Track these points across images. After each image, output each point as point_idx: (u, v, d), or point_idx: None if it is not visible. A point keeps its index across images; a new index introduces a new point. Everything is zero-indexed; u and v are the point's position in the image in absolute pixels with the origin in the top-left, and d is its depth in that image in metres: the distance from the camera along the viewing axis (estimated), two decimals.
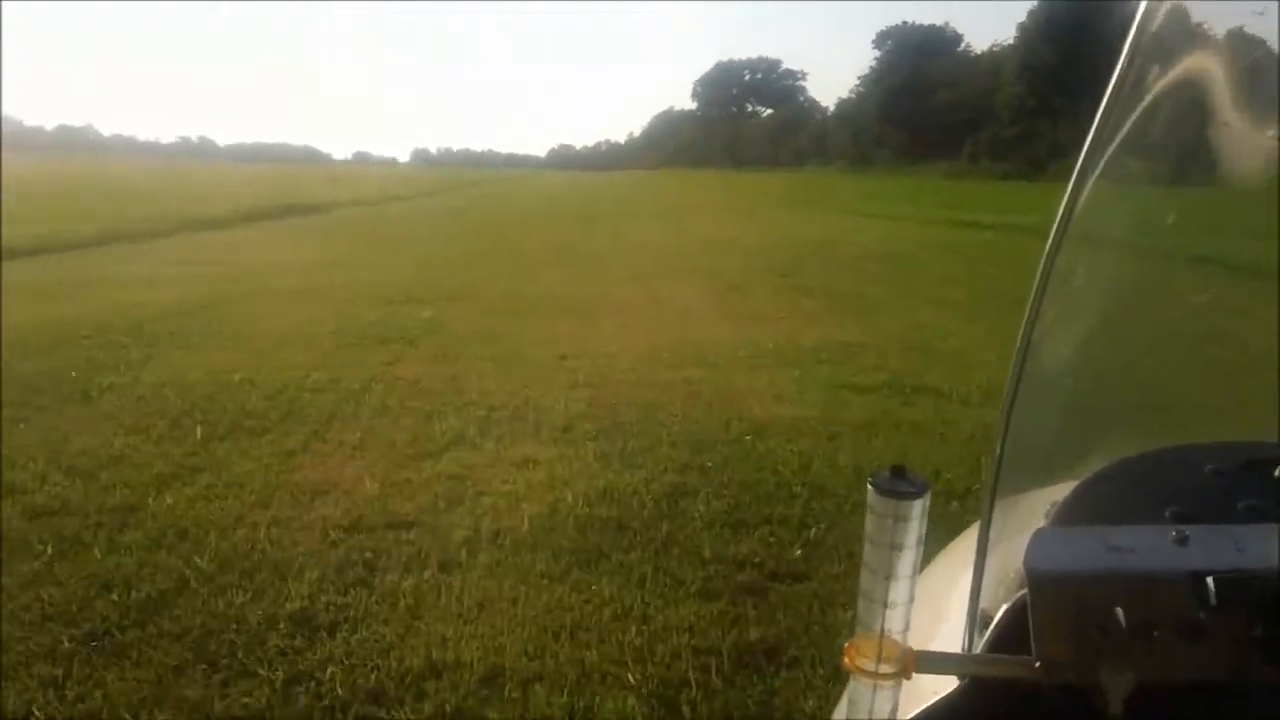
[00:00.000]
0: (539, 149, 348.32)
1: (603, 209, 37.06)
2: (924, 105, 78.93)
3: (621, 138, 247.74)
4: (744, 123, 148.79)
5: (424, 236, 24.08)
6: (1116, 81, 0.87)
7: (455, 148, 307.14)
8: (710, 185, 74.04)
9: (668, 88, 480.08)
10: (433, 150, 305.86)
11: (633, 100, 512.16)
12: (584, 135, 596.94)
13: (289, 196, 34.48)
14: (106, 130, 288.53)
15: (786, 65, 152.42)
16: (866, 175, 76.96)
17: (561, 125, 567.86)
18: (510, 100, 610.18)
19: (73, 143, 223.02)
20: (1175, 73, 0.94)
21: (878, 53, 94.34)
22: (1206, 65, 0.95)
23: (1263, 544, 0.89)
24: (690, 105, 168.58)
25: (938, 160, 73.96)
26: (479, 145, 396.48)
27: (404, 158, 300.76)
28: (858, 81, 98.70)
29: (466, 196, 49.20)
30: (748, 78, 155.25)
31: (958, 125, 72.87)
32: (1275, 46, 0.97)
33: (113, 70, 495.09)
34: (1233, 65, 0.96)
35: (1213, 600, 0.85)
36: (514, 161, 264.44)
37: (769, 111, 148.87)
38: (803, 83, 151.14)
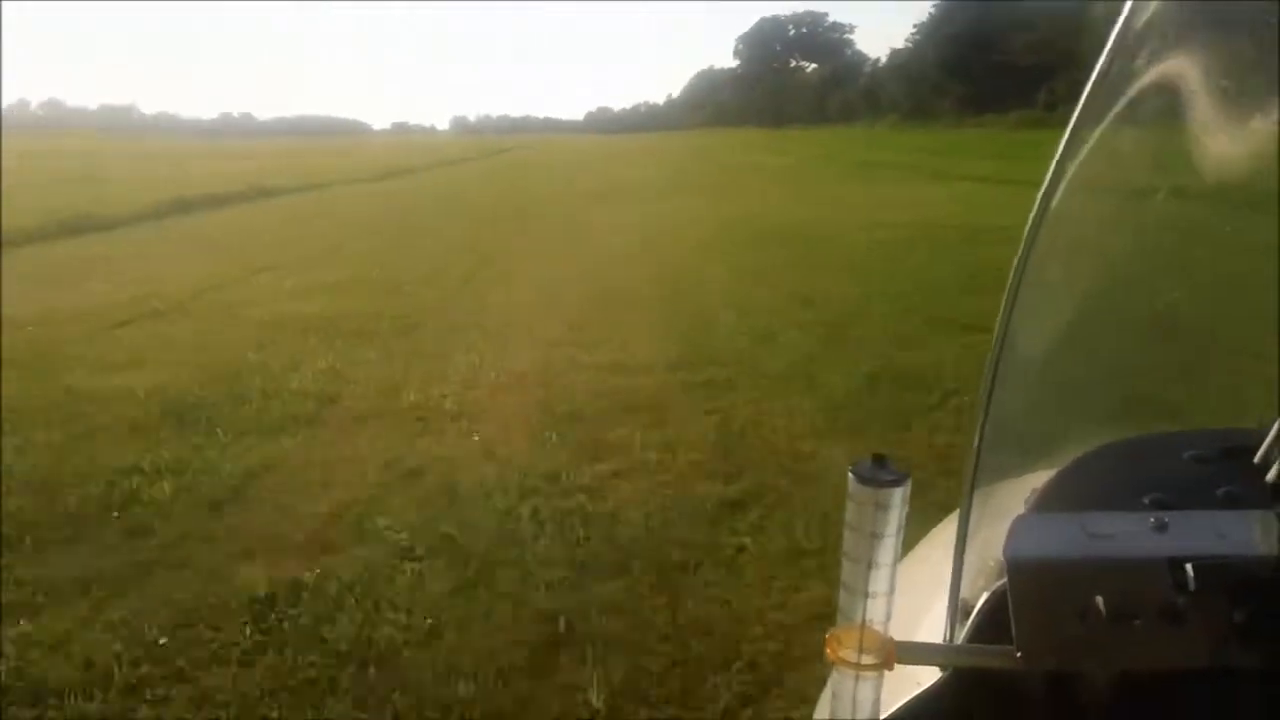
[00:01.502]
0: (577, 112, 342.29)
1: (624, 180, 31.17)
2: (993, 51, 71.05)
3: (660, 98, 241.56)
4: (788, 79, 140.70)
5: (375, 227, 19.02)
6: (1100, 70, 0.84)
7: (494, 114, 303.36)
8: (758, 145, 67.36)
9: (708, 46, 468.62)
10: (471, 118, 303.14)
11: (671, 60, 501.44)
12: (622, 97, 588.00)
13: (269, 177, 28.42)
14: (150, 109, 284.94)
15: (834, 18, 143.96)
16: (928, 129, 69.62)
17: (600, 88, 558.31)
18: (548, 64, 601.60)
19: (116, 122, 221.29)
20: (1160, 61, 0.91)
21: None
22: (1191, 54, 0.92)
23: (1242, 530, 0.89)
24: (731, 64, 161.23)
25: (1006, 110, 66.17)
26: (517, 111, 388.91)
27: (443, 125, 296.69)
28: (913, 29, 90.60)
29: (480, 169, 43.43)
30: (792, 32, 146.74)
31: (1032, 71, 65.06)
32: (1266, 35, 0.93)
33: (156, 50, 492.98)
34: (1219, 53, 0.93)
35: (1192, 586, 0.84)
36: (552, 125, 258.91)
37: (814, 66, 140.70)
38: (850, 35, 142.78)
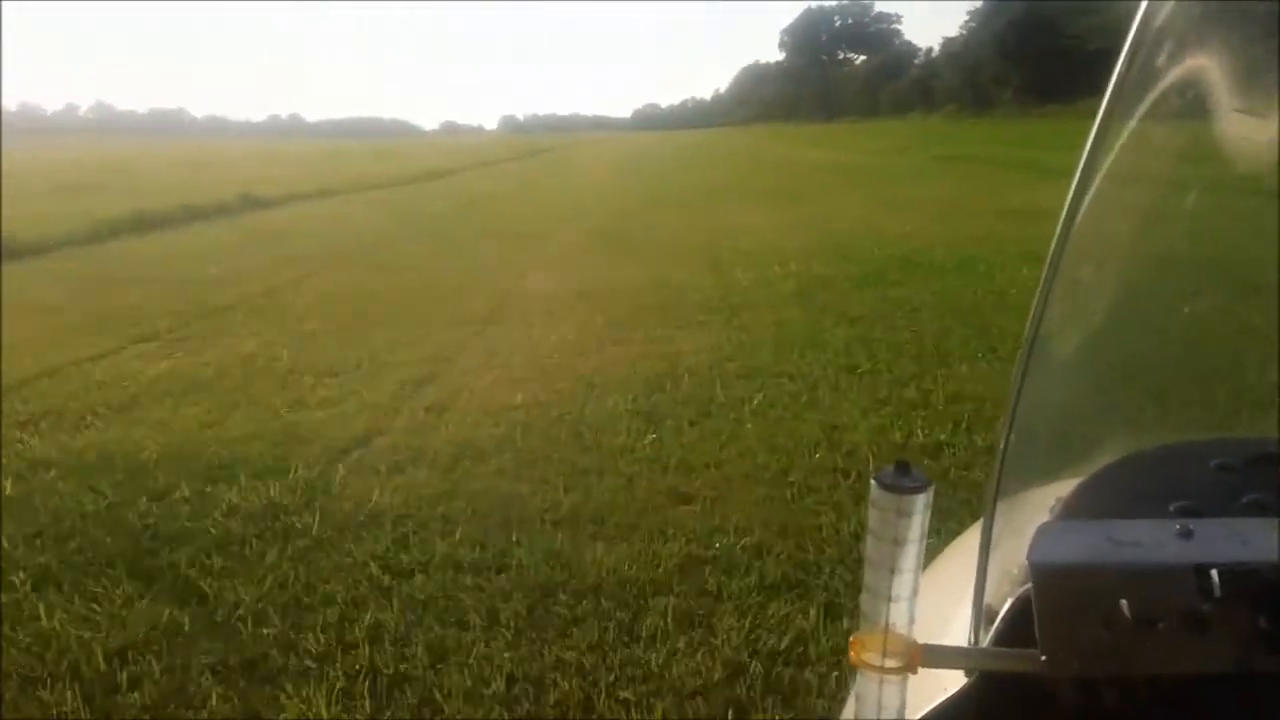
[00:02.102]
0: (625, 110, 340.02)
1: (661, 187, 26.42)
2: (1056, 37, 66.76)
3: (708, 94, 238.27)
4: (836, 71, 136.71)
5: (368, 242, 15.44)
6: (1121, 70, 0.83)
7: (541, 113, 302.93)
8: (815, 140, 63.68)
9: (754, 41, 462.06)
10: (520, 117, 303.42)
11: (717, 56, 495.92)
12: (670, 94, 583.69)
13: (265, 186, 25.40)
14: (199, 112, 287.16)
15: (880, 8, 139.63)
16: (991, 120, 65.67)
17: (647, 85, 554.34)
18: (597, 63, 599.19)
19: (166, 125, 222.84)
20: (1183, 61, 0.90)
21: None
22: (1212, 53, 0.92)
23: (1267, 537, 0.89)
24: (776, 57, 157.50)
25: (1072, 99, 61.87)
26: (565, 109, 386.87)
27: (491, 125, 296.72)
28: (967, 17, 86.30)
29: (510, 173, 39.01)
30: (838, 23, 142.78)
31: (1099, 57, 60.50)
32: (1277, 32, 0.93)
33: (202, 53, 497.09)
34: (1239, 53, 0.93)
35: (1217, 593, 0.84)
36: (600, 123, 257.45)
37: (862, 58, 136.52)
38: (898, 26, 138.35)
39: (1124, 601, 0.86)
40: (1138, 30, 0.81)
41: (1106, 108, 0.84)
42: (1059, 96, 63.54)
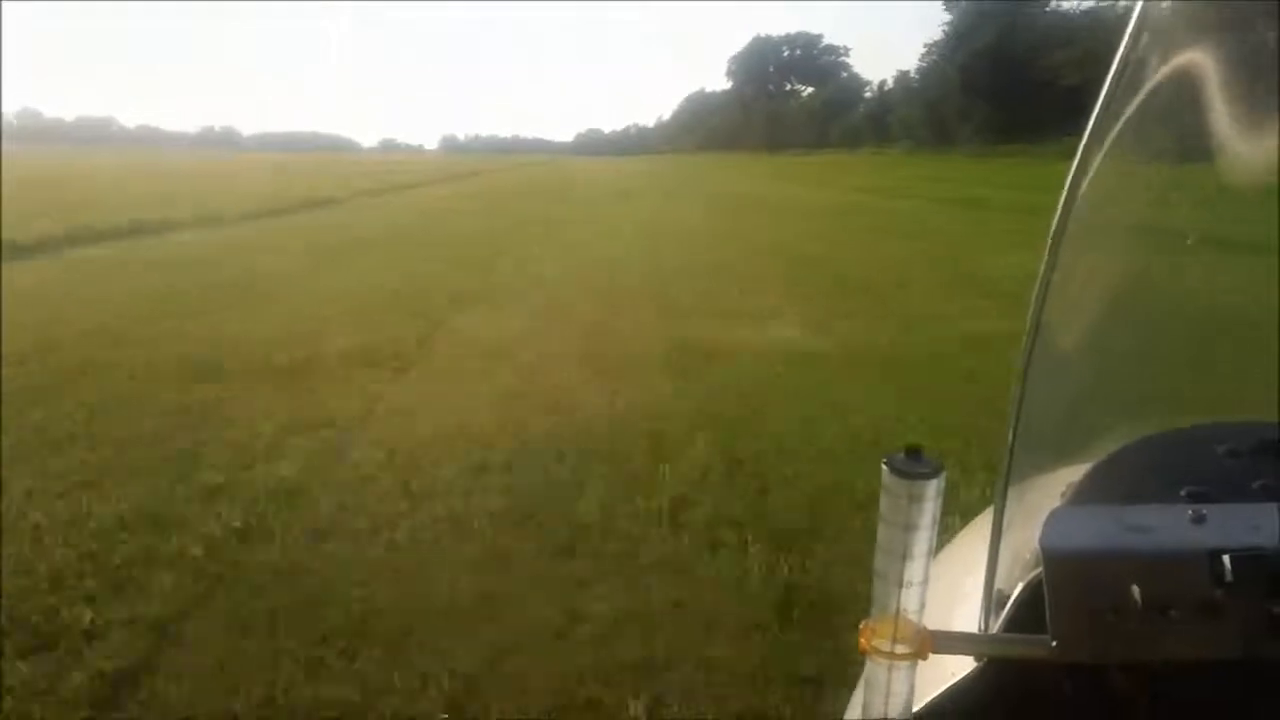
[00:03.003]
0: (567, 134, 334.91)
1: (602, 238, 18.82)
2: (1026, 70, 61.80)
3: (650, 121, 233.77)
4: (784, 103, 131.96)
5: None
6: (1121, 57, 0.84)
7: (483, 134, 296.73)
8: (772, 173, 57.51)
9: (698, 69, 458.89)
10: (461, 137, 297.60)
11: (660, 83, 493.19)
12: (612, 120, 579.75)
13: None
14: (131, 122, 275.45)
15: (829, 40, 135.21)
16: (945, 158, 60.58)
17: (590, 110, 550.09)
18: (539, 85, 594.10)
19: (94, 134, 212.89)
20: (1179, 55, 0.90)
21: (947, 15, 76.68)
22: (1207, 54, 0.91)
23: (1279, 523, 0.87)
24: (722, 86, 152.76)
25: (1044, 138, 56.64)
26: (506, 131, 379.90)
27: (432, 145, 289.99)
28: (924, 49, 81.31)
29: (406, 207, 29.50)
30: (786, 54, 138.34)
31: (1073, 93, 55.68)
32: (1274, 36, 0.94)
33: (137, 64, 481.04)
34: (1233, 56, 0.93)
35: (1229, 578, 0.83)
36: (540, 146, 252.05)
37: (809, 90, 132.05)
38: (846, 59, 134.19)
39: (1135, 587, 0.84)
40: (1131, 33, 0.81)
41: (1103, 102, 0.83)
42: (1026, 135, 58.56)
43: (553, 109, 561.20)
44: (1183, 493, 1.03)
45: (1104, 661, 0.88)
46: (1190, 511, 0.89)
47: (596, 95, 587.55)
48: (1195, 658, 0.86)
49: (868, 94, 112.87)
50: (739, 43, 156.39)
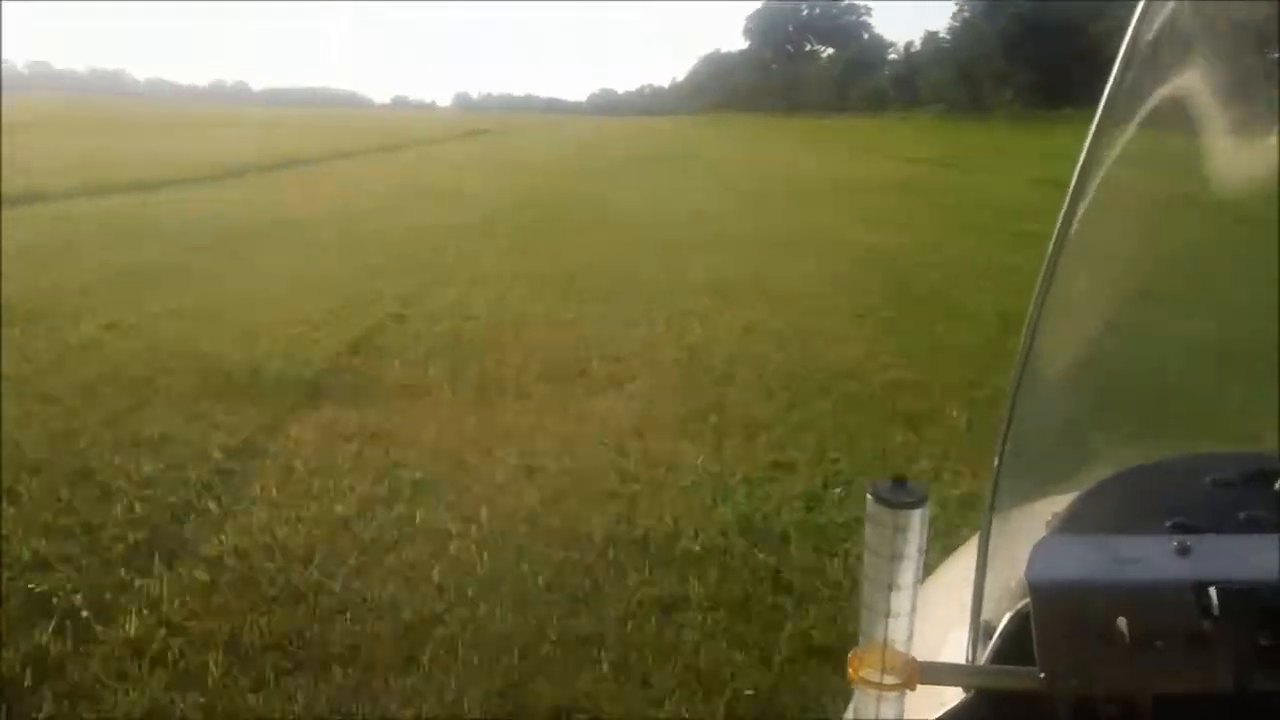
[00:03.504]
0: (580, 94, 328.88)
1: (605, 228, 15.02)
2: (1070, 36, 56.95)
3: (665, 82, 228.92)
4: (804, 64, 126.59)
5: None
6: (1117, 76, 0.83)
7: (496, 92, 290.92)
8: (809, 139, 52.66)
9: (714, 28, 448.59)
10: (474, 95, 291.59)
11: (675, 42, 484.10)
12: (626, 80, 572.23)
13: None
14: (142, 75, 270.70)
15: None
16: (990, 124, 56.15)
17: (604, 70, 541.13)
18: (553, 46, 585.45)
19: (107, 86, 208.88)
20: (1179, 66, 0.89)
21: None
22: (1208, 59, 0.90)
23: (1265, 555, 0.86)
24: (738, 47, 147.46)
25: (1089, 105, 51.68)
26: (520, 90, 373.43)
27: (445, 102, 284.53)
28: (956, 7, 76.31)
29: (394, 169, 26.88)
30: (805, 12, 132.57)
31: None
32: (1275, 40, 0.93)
33: (148, 17, 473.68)
34: (1234, 59, 0.92)
35: (1216, 611, 0.83)
36: (554, 106, 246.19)
37: (830, 51, 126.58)
38: (868, 18, 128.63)
39: (1123, 619, 0.84)
40: (1129, 41, 0.79)
41: (1100, 119, 0.83)
42: (1069, 102, 53.95)
43: (566, 68, 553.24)
44: (1168, 523, 1.01)
45: (1092, 693, 0.86)
46: (1175, 543, 0.88)
47: (610, 55, 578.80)
48: (1184, 690, 0.85)
49: (891, 56, 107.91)
50: (756, 2, 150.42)
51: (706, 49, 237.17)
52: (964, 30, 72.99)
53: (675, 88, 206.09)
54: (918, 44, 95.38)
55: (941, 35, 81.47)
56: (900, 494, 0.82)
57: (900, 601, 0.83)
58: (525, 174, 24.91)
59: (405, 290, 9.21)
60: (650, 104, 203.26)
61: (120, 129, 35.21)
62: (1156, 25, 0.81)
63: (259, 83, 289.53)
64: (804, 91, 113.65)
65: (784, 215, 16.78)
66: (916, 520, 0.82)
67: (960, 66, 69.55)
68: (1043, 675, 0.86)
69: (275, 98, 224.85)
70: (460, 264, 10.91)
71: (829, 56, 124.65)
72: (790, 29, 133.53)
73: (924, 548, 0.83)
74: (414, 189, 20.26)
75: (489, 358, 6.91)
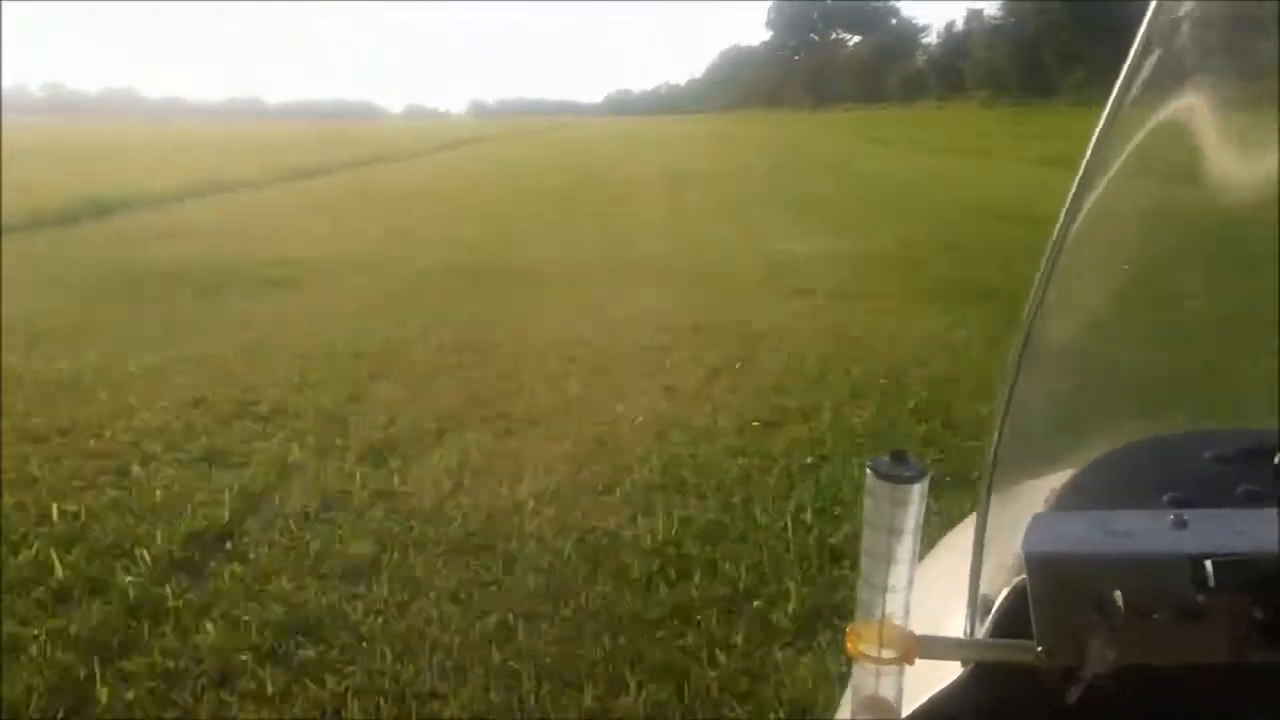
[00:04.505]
0: (596, 95, 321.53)
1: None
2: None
3: (682, 79, 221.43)
4: (831, 54, 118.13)
5: None
6: (1128, 69, 0.81)
7: (511, 98, 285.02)
8: (876, 137, 44.03)
9: (733, 23, 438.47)
10: (490, 101, 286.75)
11: (693, 37, 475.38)
12: (643, 79, 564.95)
13: None
14: (154, 93, 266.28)
15: None
16: (1055, 110, 47.66)
17: (620, 70, 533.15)
18: (569, 46, 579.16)
19: (120, 105, 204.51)
20: (1189, 63, 0.88)
21: None
22: (1218, 58, 0.91)
23: (1262, 528, 0.87)
24: (758, 39, 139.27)
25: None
26: (535, 94, 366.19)
27: (460, 109, 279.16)
28: None
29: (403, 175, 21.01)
30: (830, 1, 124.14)
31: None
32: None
33: (149, 30, 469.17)
34: (1242, 59, 0.93)
35: (1211, 583, 0.83)
36: (569, 108, 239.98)
37: (856, 39, 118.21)
38: (896, 2, 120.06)
39: (1118, 592, 0.84)
40: (1143, 36, 0.79)
41: (1111, 106, 0.82)
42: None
43: (581, 69, 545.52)
44: (1165, 498, 1.02)
45: (1088, 666, 0.86)
46: (1172, 517, 0.89)
47: (625, 54, 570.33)
48: (1179, 661, 0.86)
49: (925, 40, 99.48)
50: None
51: (725, 44, 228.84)
52: (1011, 9, 64.17)
53: (693, 84, 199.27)
54: (960, 23, 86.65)
55: (989, 12, 72.58)
56: (899, 468, 0.81)
57: (898, 576, 0.83)
58: (476, 219, 16.81)
59: None
60: (668, 102, 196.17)
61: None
62: (1164, 25, 0.80)
63: (273, 97, 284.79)
64: (832, 83, 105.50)
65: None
66: (915, 495, 0.81)
67: (1016, 46, 60.82)
68: (1039, 648, 0.86)
69: (290, 111, 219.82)
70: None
71: (856, 44, 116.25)
72: (815, 17, 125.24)
73: (922, 522, 0.83)
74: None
75: None
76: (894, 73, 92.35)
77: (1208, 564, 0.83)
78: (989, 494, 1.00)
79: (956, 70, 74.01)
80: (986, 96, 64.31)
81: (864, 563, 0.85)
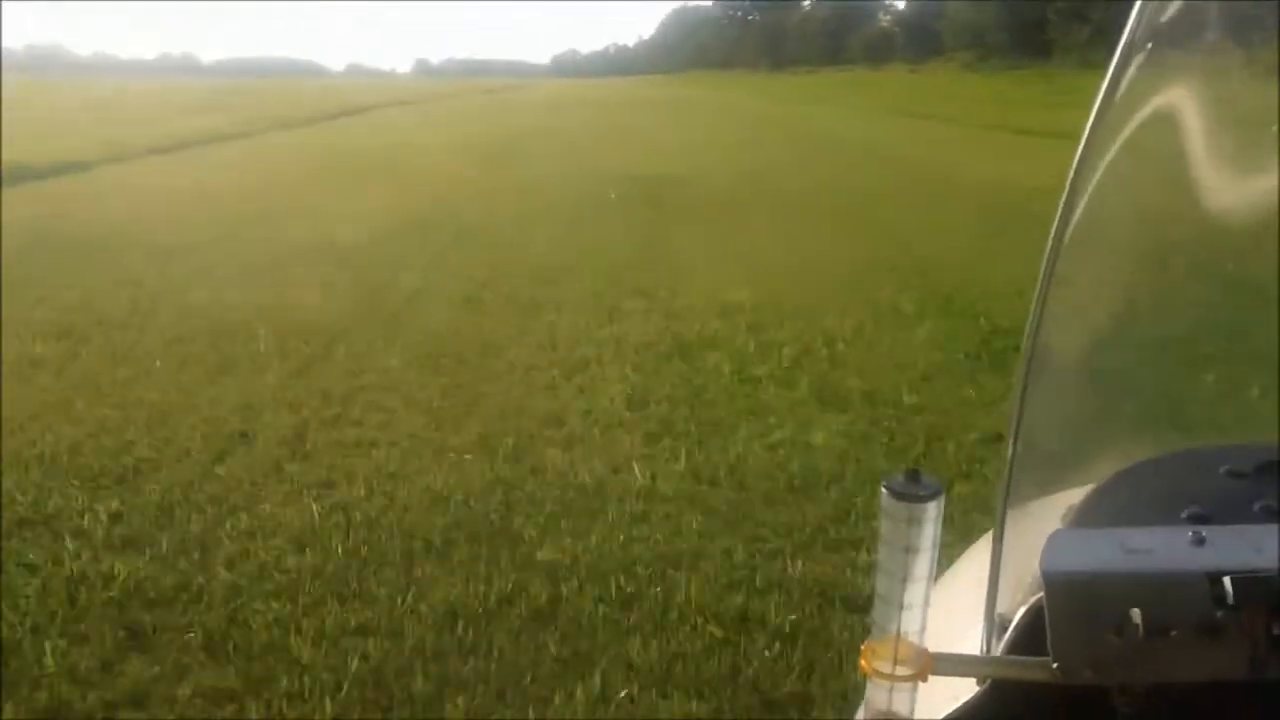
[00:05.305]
0: (544, 56, 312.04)
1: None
2: None
3: (630, 40, 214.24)
4: (787, 14, 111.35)
5: None
6: (1113, 74, 0.81)
7: (457, 57, 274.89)
8: (890, 106, 38.50)
9: None
10: (434, 61, 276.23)
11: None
12: (590, 39, 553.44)
13: None
14: (83, 49, 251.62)
15: None
16: (1055, 75, 41.74)
17: (567, 30, 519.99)
18: (515, 7, 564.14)
19: (46, 62, 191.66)
20: (1177, 65, 0.88)
21: None
22: (1208, 58, 0.90)
23: (1279, 544, 0.86)
24: (705, 2, 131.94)
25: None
26: (482, 54, 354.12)
27: (405, 68, 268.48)
28: None
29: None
30: None
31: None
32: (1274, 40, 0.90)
33: None
34: (1233, 58, 0.91)
35: (1230, 600, 0.82)
36: (515, 69, 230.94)
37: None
38: None
39: (1136, 610, 0.83)
40: (1129, 33, 0.78)
41: (1100, 105, 0.81)
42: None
43: (528, 29, 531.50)
44: (1183, 515, 1.00)
45: (1106, 683, 0.85)
46: (1191, 533, 0.88)
47: (571, 13, 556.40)
48: (1198, 679, 0.84)
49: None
50: None
51: (674, 4, 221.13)
52: None
53: (642, 45, 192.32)
54: None
55: None
56: (914, 487, 0.80)
57: (914, 594, 0.82)
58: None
59: None
60: (616, 64, 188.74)
61: None
62: (1152, 23, 0.79)
63: (208, 54, 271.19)
64: (788, 45, 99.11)
65: None
66: (931, 513, 0.80)
67: (1000, 8, 54.64)
68: (1056, 665, 0.84)
69: (226, 69, 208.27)
70: None
71: (812, 3, 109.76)
72: None
73: (939, 540, 0.81)
74: None
75: None
76: (856, 34, 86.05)
77: (1226, 581, 0.81)
78: (1005, 511, 0.97)
79: (933, 31, 67.74)
80: (971, 59, 58.31)
81: (879, 580, 0.83)
